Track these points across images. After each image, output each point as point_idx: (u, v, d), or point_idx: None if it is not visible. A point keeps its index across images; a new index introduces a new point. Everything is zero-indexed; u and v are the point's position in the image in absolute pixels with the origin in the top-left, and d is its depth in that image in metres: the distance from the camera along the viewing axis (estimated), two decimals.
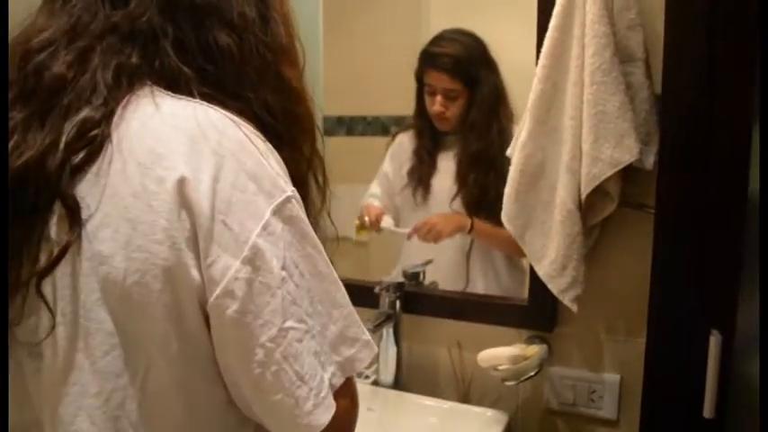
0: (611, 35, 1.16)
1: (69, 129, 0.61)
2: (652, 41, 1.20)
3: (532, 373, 1.34)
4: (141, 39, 0.65)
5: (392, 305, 1.45)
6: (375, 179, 1.72)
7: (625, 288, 1.32)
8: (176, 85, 0.65)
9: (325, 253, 0.65)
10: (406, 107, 1.65)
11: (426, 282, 1.58)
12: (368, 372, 1.49)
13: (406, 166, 1.65)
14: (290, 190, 0.63)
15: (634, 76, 1.22)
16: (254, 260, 0.59)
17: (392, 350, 1.46)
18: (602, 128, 1.16)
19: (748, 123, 0.90)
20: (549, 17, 1.20)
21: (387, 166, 1.71)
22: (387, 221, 1.66)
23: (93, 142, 0.60)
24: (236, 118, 0.63)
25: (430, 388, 1.49)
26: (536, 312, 1.39)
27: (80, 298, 0.59)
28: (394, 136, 1.70)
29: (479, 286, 1.57)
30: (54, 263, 0.59)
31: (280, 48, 0.72)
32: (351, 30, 1.69)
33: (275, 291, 0.60)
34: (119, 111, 0.62)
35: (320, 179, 0.75)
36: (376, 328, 1.40)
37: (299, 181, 0.68)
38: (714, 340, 0.91)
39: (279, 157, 0.65)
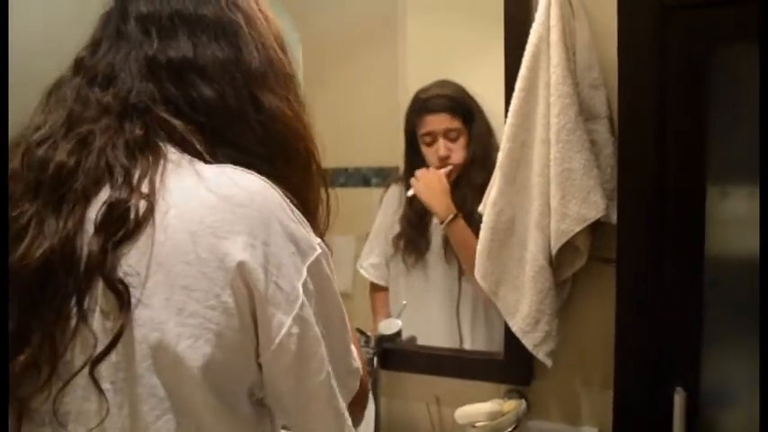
0: (576, 95, 1.19)
1: (96, 212, 0.63)
2: (615, 99, 1.23)
3: (510, 429, 1.34)
4: (135, 112, 0.68)
5: (370, 361, 1.45)
6: (368, 242, 1.66)
7: (599, 340, 1.32)
8: (184, 146, 0.67)
9: (340, 297, 0.71)
10: (387, 158, 1.66)
11: (405, 336, 1.56)
12: None
13: (395, 230, 1.61)
14: (317, 245, 0.67)
15: (599, 134, 1.25)
16: (302, 316, 0.65)
17: (370, 408, 1.45)
18: (569, 185, 1.19)
19: (702, 181, 0.93)
20: (516, 77, 1.24)
21: (381, 225, 1.66)
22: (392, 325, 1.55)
23: (127, 219, 0.62)
24: (265, 179, 0.66)
25: None
26: (512, 366, 1.39)
27: (133, 366, 0.61)
28: (388, 186, 1.66)
29: (471, 343, 1.53)
30: (111, 345, 0.61)
31: (254, 77, 0.72)
32: (330, 83, 1.71)
33: (320, 342, 0.67)
34: (157, 179, 0.64)
35: (324, 197, 0.78)
36: None
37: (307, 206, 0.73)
38: (679, 398, 0.91)
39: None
